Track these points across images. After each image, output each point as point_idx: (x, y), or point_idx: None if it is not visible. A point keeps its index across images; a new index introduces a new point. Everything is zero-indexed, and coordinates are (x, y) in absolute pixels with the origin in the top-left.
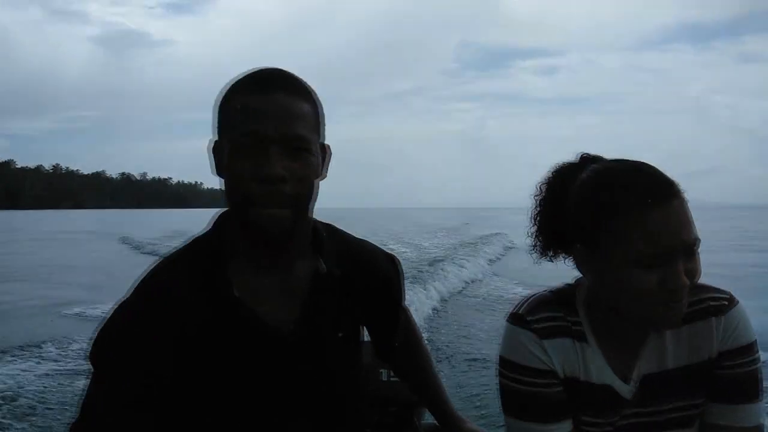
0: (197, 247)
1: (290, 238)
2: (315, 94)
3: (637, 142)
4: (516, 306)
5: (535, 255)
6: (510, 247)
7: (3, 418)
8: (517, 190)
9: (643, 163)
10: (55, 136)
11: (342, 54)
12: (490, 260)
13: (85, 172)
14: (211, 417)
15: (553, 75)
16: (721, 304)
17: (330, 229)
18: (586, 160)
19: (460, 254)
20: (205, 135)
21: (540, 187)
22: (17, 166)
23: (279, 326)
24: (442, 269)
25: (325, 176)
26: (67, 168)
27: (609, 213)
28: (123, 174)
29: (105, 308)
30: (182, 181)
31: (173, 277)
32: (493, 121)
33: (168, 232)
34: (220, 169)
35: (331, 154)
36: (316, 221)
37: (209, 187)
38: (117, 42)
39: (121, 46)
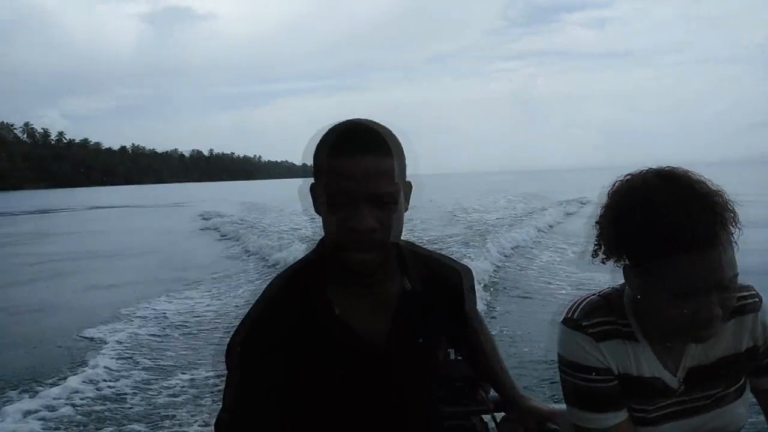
0: (303, 268)
1: (378, 272)
2: (396, 142)
3: (698, 94)
4: (569, 310)
5: (591, 256)
6: None
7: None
8: (573, 152)
9: (694, 199)
10: (113, 114)
11: (380, 19)
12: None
13: (159, 150)
14: (316, 418)
15: (603, 27)
16: (754, 302)
17: (410, 248)
18: (651, 176)
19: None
20: (255, 107)
21: (608, 194)
22: (104, 147)
23: (372, 339)
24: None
25: (407, 208)
26: (143, 147)
27: (653, 252)
28: (194, 151)
29: None
30: (243, 155)
31: (285, 295)
32: (542, 80)
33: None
34: (318, 210)
35: (412, 187)
36: (399, 243)
37: (267, 160)
38: (162, 18)
39: (167, 22)
